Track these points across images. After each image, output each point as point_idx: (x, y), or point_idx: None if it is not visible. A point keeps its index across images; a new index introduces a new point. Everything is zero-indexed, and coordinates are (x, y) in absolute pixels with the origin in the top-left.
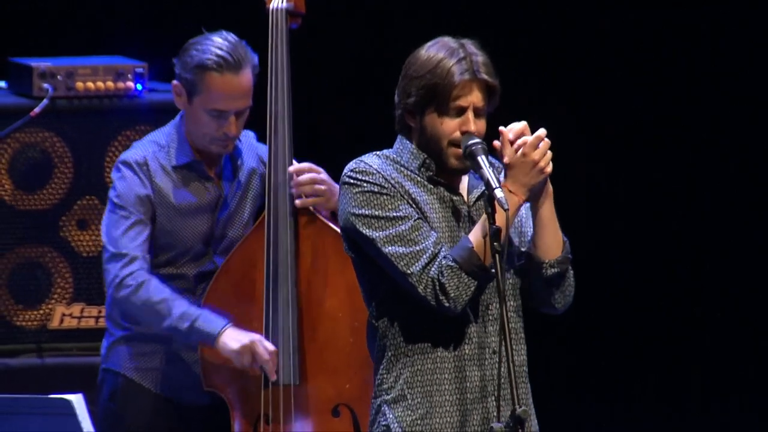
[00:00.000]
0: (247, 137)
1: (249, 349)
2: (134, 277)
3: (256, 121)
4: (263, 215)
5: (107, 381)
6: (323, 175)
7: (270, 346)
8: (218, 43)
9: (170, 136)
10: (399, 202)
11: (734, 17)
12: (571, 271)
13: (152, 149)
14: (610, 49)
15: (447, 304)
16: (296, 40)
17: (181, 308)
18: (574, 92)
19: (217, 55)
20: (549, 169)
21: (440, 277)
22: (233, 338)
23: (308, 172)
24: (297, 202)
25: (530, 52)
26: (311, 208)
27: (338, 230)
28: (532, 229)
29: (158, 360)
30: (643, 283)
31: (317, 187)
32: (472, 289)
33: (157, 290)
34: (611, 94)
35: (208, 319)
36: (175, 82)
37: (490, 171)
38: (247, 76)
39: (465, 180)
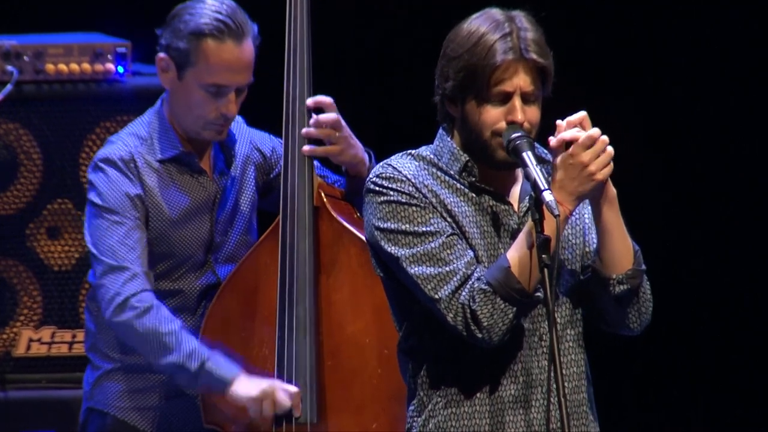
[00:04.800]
0: (237, 122)
1: (270, 395)
2: (140, 299)
3: (271, 107)
4: (277, 220)
5: (93, 422)
6: (341, 120)
7: (291, 388)
8: (215, 6)
9: (151, 126)
10: (430, 215)
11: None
12: (647, 285)
13: (133, 143)
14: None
15: (480, 335)
16: (319, 12)
17: (191, 345)
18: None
19: (217, 20)
20: (601, 176)
21: (471, 304)
22: (249, 383)
23: (330, 110)
24: (305, 149)
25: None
26: (332, 211)
27: (364, 238)
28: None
29: (156, 397)
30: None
31: (336, 134)
32: (510, 317)
33: (166, 320)
34: (609, 93)
35: (221, 362)
36: (161, 54)
37: (538, 170)
38: (249, 46)
39: (517, 187)
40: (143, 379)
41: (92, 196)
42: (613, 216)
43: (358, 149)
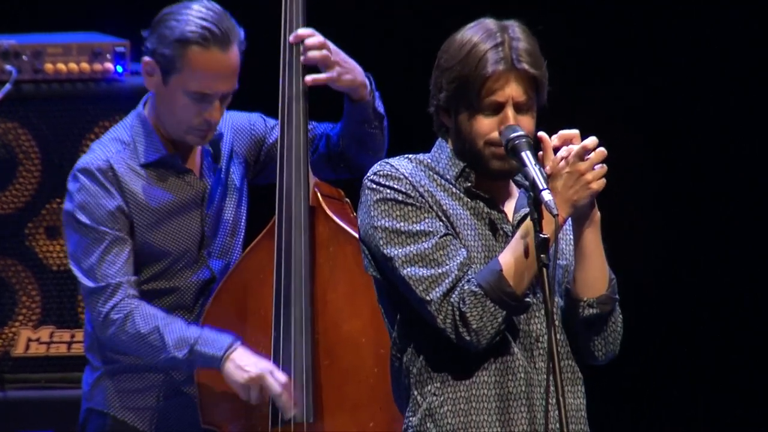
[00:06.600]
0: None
1: (257, 382)
2: (119, 310)
3: (267, 106)
4: (273, 220)
5: (92, 423)
6: (332, 47)
7: (281, 377)
8: (201, 12)
9: (134, 129)
10: (425, 215)
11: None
12: (619, 318)
13: (115, 148)
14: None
15: (468, 338)
16: (315, 12)
17: (175, 334)
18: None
19: (202, 27)
20: (597, 186)
21: (461, 306)
22: (240, 366)
23: (314, 37)
24: (308, 79)
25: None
26: (327, 211)
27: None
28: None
29: (155, 397)
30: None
31: (329, 57)
32: (499, 320)
33: (145, 320)
34: (609, 94)
35: (209, 340)
36: (146, 58)
37: (537, 169)
38: (234, 53)
39: (512, 200)
40: (142, 379)
41: (69, 208)
42: (594, 239)
43: (357, 73)
